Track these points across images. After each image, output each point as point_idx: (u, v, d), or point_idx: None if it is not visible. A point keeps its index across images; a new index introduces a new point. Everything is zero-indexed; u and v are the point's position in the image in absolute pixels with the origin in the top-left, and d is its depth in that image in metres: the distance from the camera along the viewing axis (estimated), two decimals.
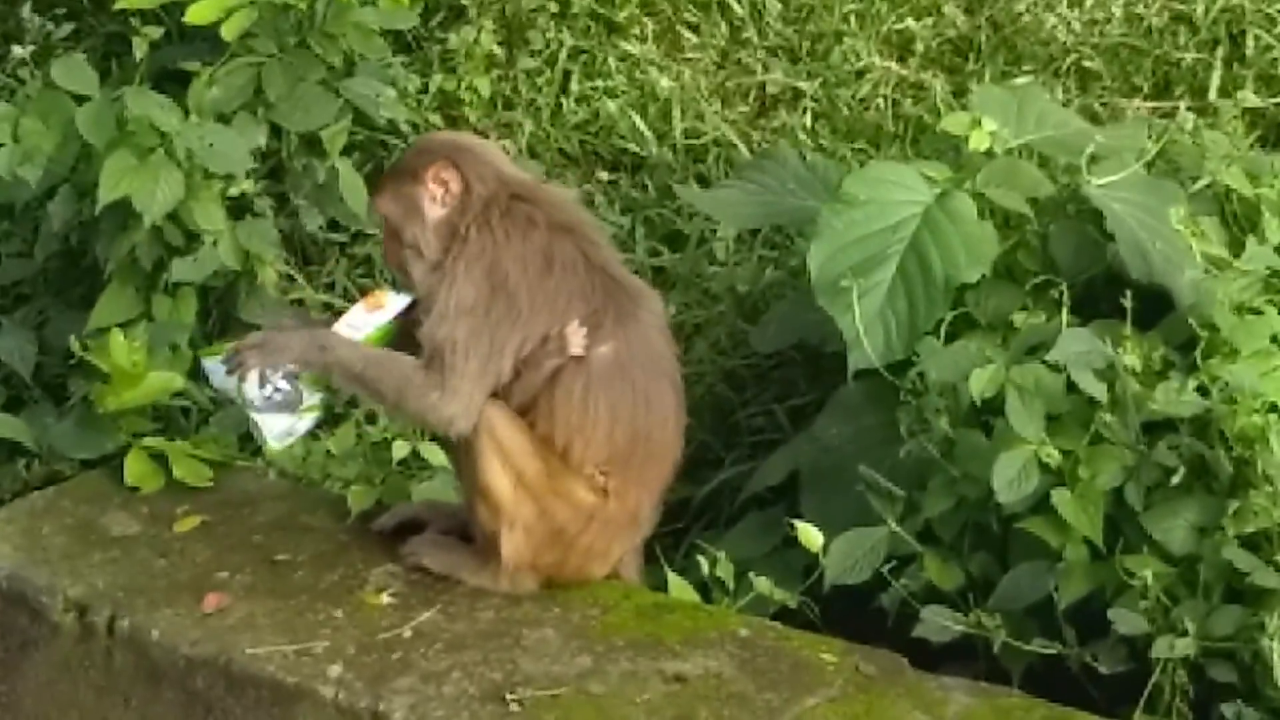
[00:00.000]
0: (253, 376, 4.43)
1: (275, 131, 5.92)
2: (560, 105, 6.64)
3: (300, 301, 6.02)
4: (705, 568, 4.59)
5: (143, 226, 5.44)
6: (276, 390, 4.45)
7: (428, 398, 4.33)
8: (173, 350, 5.41)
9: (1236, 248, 4.88)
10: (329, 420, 4.94)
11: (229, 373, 4.44)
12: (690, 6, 6.79)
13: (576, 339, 4.34)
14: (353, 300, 5.99)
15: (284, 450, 4.71)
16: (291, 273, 6.05)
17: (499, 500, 4.35)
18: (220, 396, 4.61)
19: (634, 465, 4.39)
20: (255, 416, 4.49)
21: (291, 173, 6.00)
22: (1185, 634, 4.25)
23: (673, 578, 4.62)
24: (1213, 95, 6.30)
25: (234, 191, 5.57)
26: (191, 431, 5.33)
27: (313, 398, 4.48)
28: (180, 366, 5.28)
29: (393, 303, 4.50)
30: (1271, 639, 4.19)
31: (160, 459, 4.97)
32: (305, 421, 4.52)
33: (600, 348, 4.35)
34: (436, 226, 4.41)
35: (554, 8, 6.74)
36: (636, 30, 6.74)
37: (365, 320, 4.49)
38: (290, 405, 4.47)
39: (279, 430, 4.52)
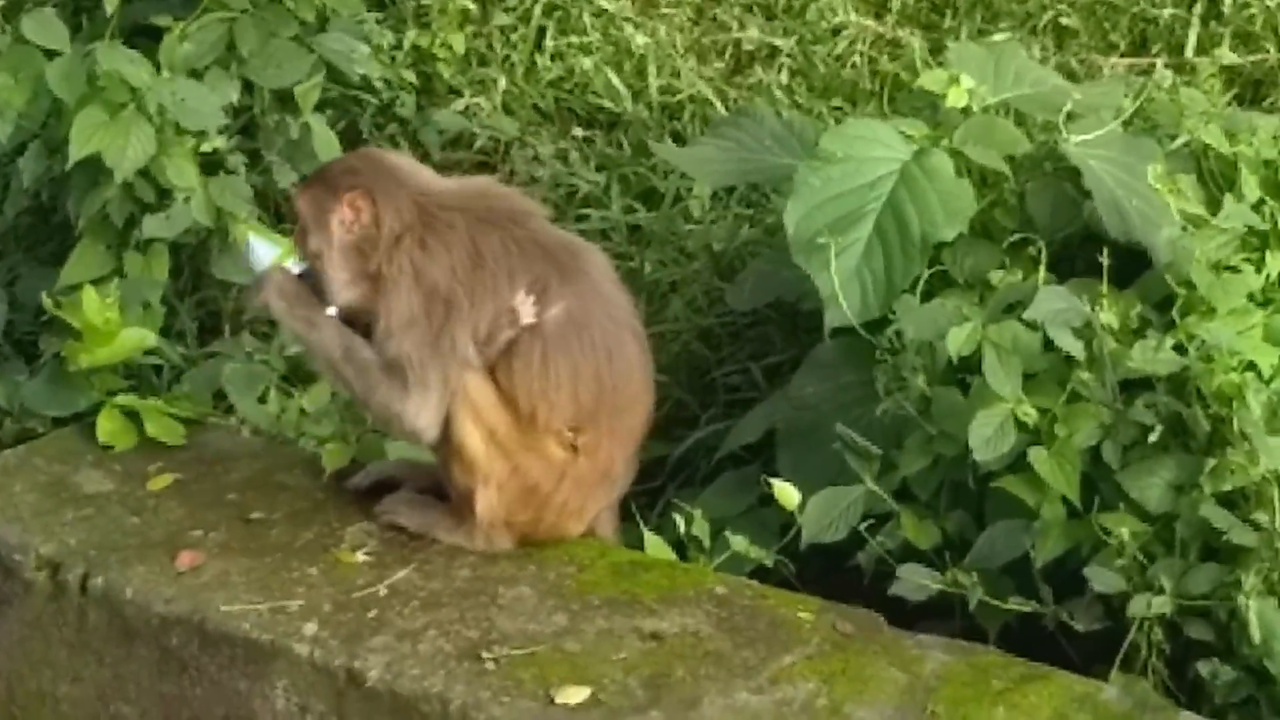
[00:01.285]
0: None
1: (248, 87, 5.89)
2: (535, 62, 6.62)
3: None
4: (681, 526, 4.58)
5: (114, 183, 5.41)
6: None
7: (393, 408, 4.34)
8: (145, 307, 5.38)
9: (1214, 206, 4.86)
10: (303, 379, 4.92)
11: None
12: None
13: (526, 308, 4.31)
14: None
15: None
16: None
17: (472, 457, 4.34)
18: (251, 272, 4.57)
19: (603, 419, 4.37)
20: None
21: (264, 129, 5.97)
22: (1162, 592, 4.25)
23: (649, 536, 4.61)
24: (1190, 52, 6.30)
25: (206, 148, 5.54)
26: (164, 389, 5.30)
27: None
28: (153, 324, 5.26)
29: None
30: (1247, 597, 4.20)
31: (133, 416, 4.94)
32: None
33: (551, 310, 4.33)
34: (343, 249, 4.38)
35: None
36: None
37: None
38: None
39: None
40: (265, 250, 4.50)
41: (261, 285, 4.46)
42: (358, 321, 4.40)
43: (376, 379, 4.35)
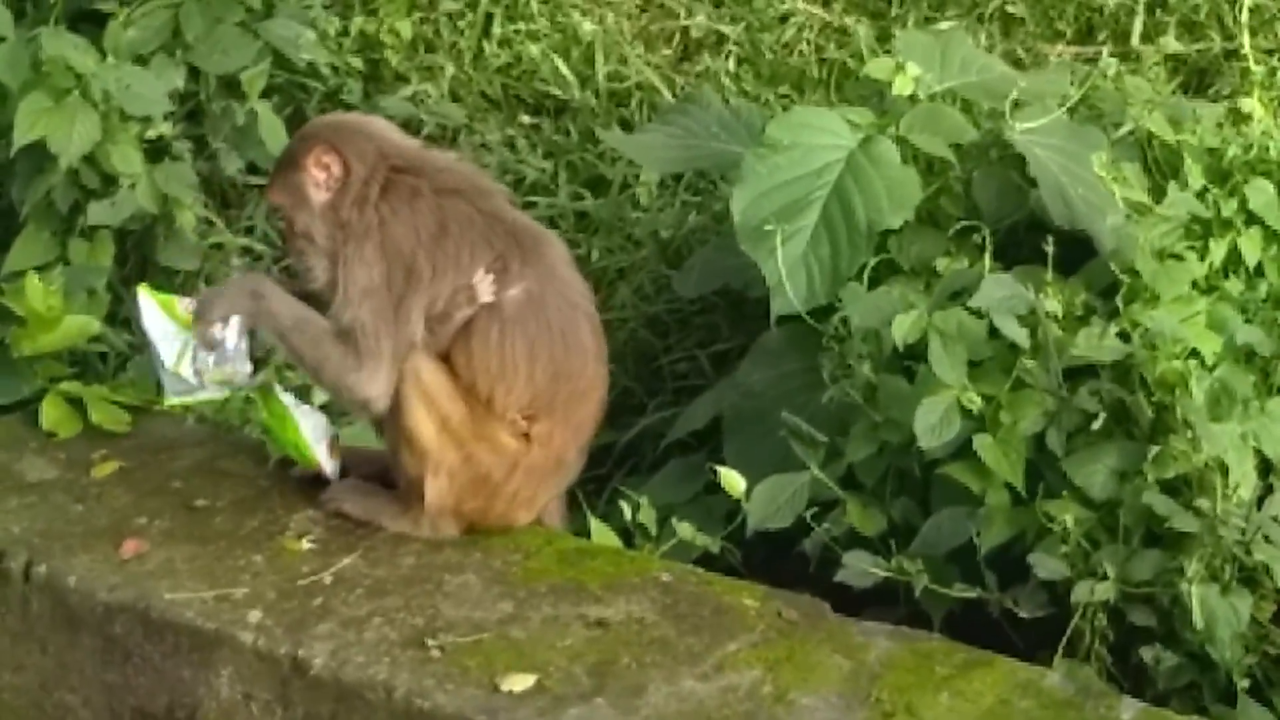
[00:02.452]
0: (204, 333, 4.41)
1: (193, 74, 5.87)
2: (482, 48, 6.60)
3: (219, 246, 5.97)
4: (628, 513, 4.58)
5: (59, 169, 5.39)
6: (223, 347, 4.44)
7: (345, 378, 4.33)
8: (89, 295, 5.35)
9: (1158, 194, 4.89)
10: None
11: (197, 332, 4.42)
12: None
13: (484, 286, 4.31)
14: (272, 245, 5.99)
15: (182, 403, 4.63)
16: (210, 216, 6.00)
17: (423, 446, 4.33)
18: (139, 336, 4.55)
19: (558, 407, 4.37)
20: (160, 372, 4.48)
21: (210, 115, 5.95)
22: (1105, 578, 4.27)
23: (595, 523, 4.61)
24: (1135, 41, 6.33)
25: (152, 134, 5.52)
26: (109, 376, 5.28)
27: (242, 369, 4.46)
28: (97, 311, 5.23)
29: (329, 465, 4.53)
30: (1190, 583, 4.22)
31: (77, 404, 4.91)
32: (208, 391, 4.49)
33: (510, 290, 4.32)
34: (323, 212, 4.37)
35: None
36: None
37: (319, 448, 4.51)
38: (229, 360, 4.45)
39: (179, 388, 4.49)
40: (154, 315, 4.48)
41: (203, 299, 4.45)
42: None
43: (328, 349, 4.33)
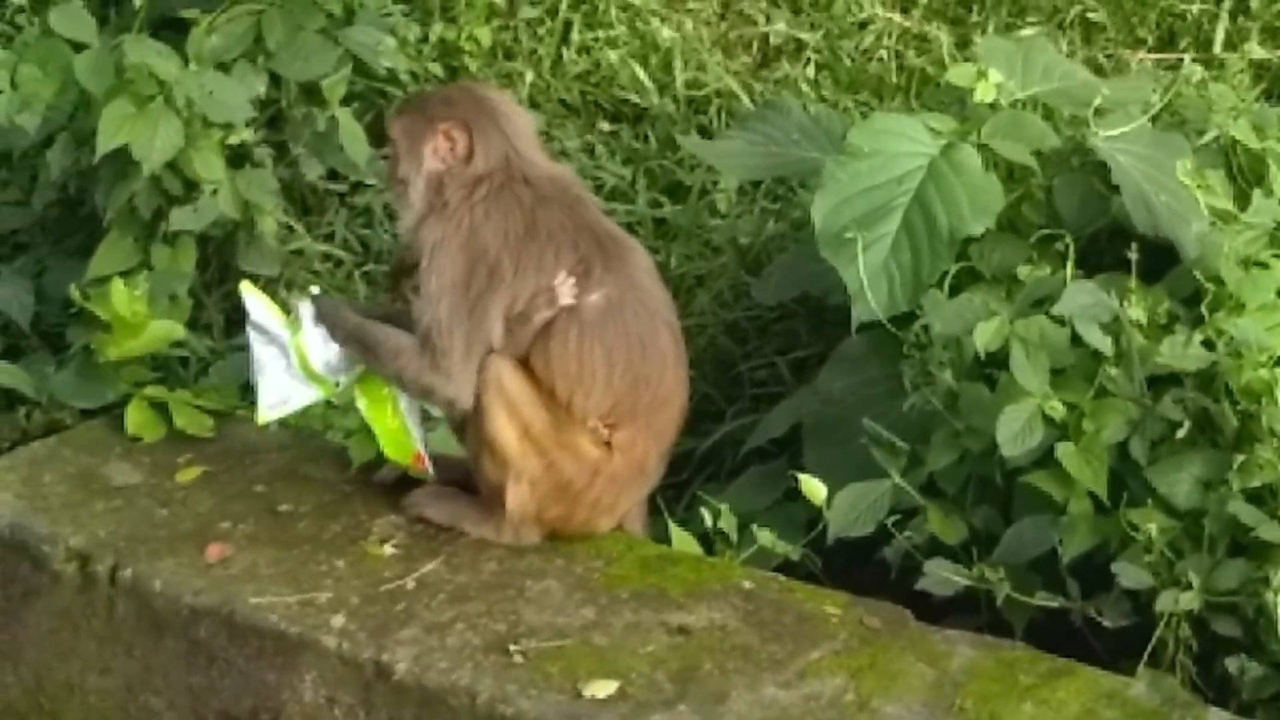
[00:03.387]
0: (316, 334, 4.49)
1: (274, 80, 5.90)
2: (561, 55, 6.61)
3: (300, 252, 6.00)
4: (708, 520, 4.58)
5: (141, 175, 5.41)
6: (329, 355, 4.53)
7: (423, 379, 4.38)
8: (172, 300, 5.39)
9: (1242, 201, 4.85)
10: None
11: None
12: None
13: (565, 289, 4.33)
14: (352, 252, 6.02)
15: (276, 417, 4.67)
16: (290, 222, 6.03)
17: (505, 452, 4.34)
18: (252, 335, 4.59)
19: (639, 413, 4.38)
20: (258, 378, 4.53)
21: (291, 122, 5.98)
22: (1189, 588, 4.24)
23: (675, 530, 4.61)
24: (1218, 47, 6.29)
25: (233, 140, 5.54)
26: (192, 381, 5.31)
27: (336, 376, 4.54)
28: (180, 316, 5.27)
29: (425, 473, 4.58)
30: (1275, 593, 4.19)
31: (161, 408, 4.95)
32: (303, 394, 4.53)
33: (591, 296, 4.34)
34: (429, 177, 4.41)
35: None
36: None
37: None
38: (336, 370, 4.53)
39: (271, 399, 4.53)
40: (263, 313, 4.55)
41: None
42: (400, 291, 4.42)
43: (407, 356, 4.37)
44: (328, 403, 5.07)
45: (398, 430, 4.52)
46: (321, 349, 4.52)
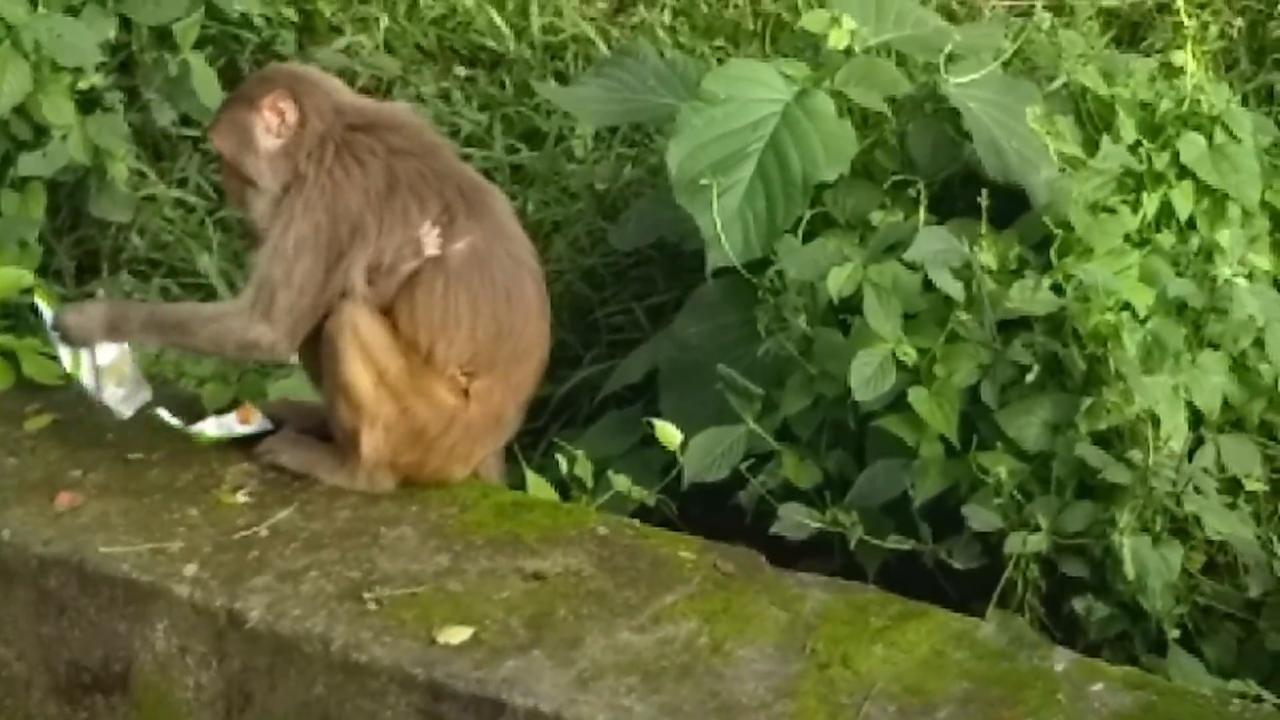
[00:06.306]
0: (86, 361, 4.48)
1: (125, 24, 5.81)
2: (416, 0, 6.56)
3: (152, 198, 5.94)
4: (564, 466, 4.58)
5: None
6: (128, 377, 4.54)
7: (249, 334, 4.33)
8: (21, 246, 5.32)
9: (1091, 147, 4.92)
10: None
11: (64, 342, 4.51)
12: None
13: (430, 239, 4.31)
14: (205, 198, 5.96)
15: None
16: (142, 168, 5.96)
17: (360, 398, 4.32)
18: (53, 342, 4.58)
19: (499, 363, 4.37)
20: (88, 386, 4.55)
21: (142, 66, 5.91)
22: (1038, 530, 4.30)
23: (531, 476, 4.61)
24: None
25: (83, 85, 5.47)
26: (41, 329, 5.23)
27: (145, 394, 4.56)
28: (29, 263, 5.19)
29: (257, 423, 4.54)
30: (1122, 534, 4.26)
31: (10, 357, 4.88)
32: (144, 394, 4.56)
33: (456, 244, 4.32)
34: (271, 158, 4.35)
35: None
36: None
37: (233, 427, 4.53)
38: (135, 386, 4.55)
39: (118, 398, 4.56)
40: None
41: (65, 325, 4.48)
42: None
43: (228, 319, 4.34)
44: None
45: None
46: (92, 379, 4.51)
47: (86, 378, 4.51)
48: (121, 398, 4.54)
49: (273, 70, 4.55)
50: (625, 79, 5.46)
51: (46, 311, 4.55)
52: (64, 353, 4.51)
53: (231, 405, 4.61)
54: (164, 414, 4.50)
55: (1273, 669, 4.26)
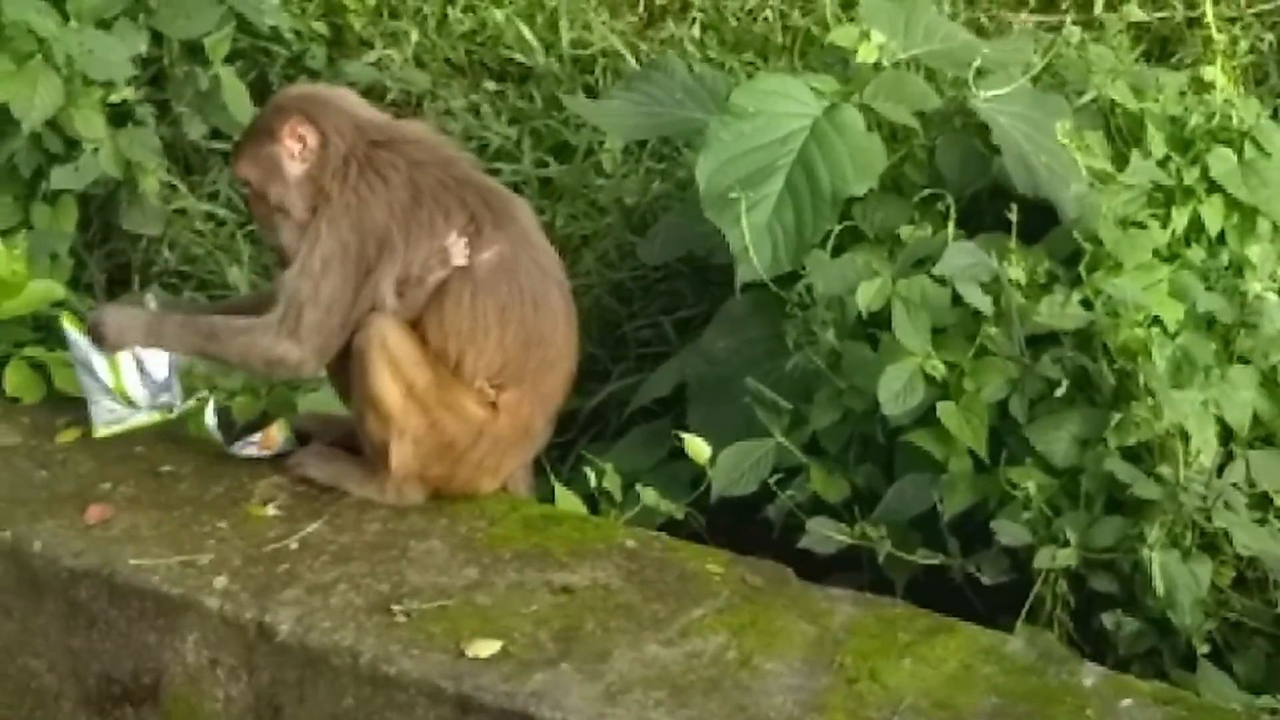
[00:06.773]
0: (128, 363, 4.49)
1: (156, 38, 5.84)
2: (446, 14, 6.58)
3: (183, 211, 5.96)
4: (592, 480, 4.59)
5: (21, 134, 5.36)
6: (149, 377, 4.53)
7: (275, 350, 4.34)
8: (52, 259, 5.34)
9: (1120, 162, 4.91)
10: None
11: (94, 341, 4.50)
12: None
13: (458, 249, 4.32)
14: (235, 211, 5.98)
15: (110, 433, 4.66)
16: (173, 181, 5.98)
17: (388, 411, 4.33)
18: (77, 364, 4.58)
19: (527, 375, 4.38)
20: (90, 404, 4.56)
21: (173, 80, 5.93)
22: (1067, 544, 4.30)
23: (560, 489, 4.62)
24: (1098, 9, 6.34)
25: (115, 99, 5.50)
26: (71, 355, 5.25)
27: (170, 397, 4.56)
28: (61, 276, 5.23)
29: (278, 446, 4.57)
30: (1151, 549, 4.25)
31: (41, 369, 4.90)
32: (138, 417, 4.55)
33: (484, 254, 4.34)
34: (299, 183, 4.37)
35: None
36: None
37: (256, 450, 4.57)
38: (161, 389, 4.54)
39: (106, 417, 4.55)
40: (81, 344, 4.54)
41: (101, 329, 4.48)
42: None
43: (256, 333, 4.35)
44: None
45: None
46: (138, 383, 4.51)
47: (131, 385, 4.50)
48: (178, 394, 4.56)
49: (283, 98, 4.55)
50: (654, 93, 5.46)
51: (77, 336, 4.55)
52: (99, 363, 4.50)
53: (261, 421, 4.62)
54: (211, 421, 4.53)
55: None
